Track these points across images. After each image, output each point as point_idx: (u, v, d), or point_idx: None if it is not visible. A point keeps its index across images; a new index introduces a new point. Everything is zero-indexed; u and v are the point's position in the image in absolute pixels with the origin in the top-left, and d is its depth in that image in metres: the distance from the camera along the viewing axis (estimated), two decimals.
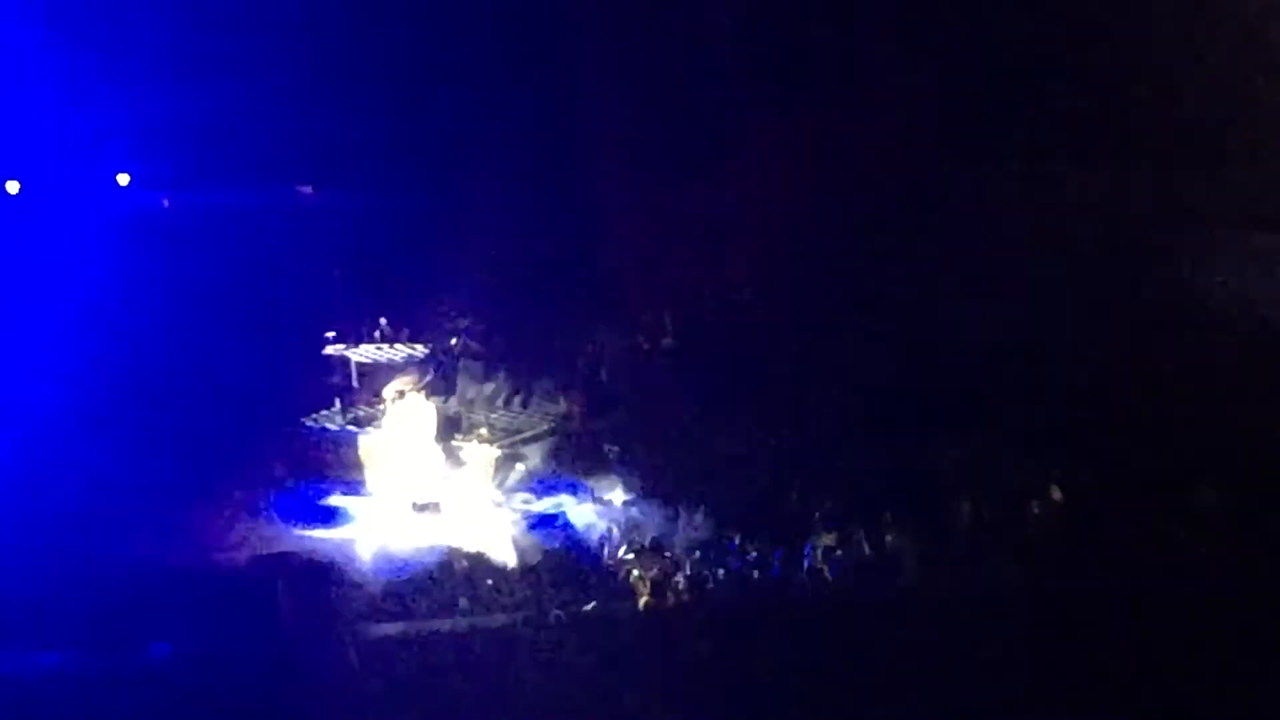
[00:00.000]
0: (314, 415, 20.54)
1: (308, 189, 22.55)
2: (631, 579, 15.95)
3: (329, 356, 20.92)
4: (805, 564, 15.81)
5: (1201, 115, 18.68)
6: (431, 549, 17.17)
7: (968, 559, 15.63)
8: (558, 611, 15.07)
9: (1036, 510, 16.39)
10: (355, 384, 20.41)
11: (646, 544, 16.67)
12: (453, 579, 16.04)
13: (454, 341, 20.03)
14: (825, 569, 15.65)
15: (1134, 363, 17.82)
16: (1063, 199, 19.41)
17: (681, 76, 21.11)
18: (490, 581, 16.04)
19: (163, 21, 20.63)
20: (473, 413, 19.97)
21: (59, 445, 20.44)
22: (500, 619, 15.00)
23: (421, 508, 18.21)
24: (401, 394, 19.28)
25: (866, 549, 15.93)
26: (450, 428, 19.41)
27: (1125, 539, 15.56)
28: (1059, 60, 19.12)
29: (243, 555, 16.82)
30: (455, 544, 17.19)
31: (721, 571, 15.98)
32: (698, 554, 16.46)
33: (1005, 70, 19.30)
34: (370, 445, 19.39)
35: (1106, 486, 16.43)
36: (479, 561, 16.48)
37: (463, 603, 15.57)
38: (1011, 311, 18.78)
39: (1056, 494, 16.56)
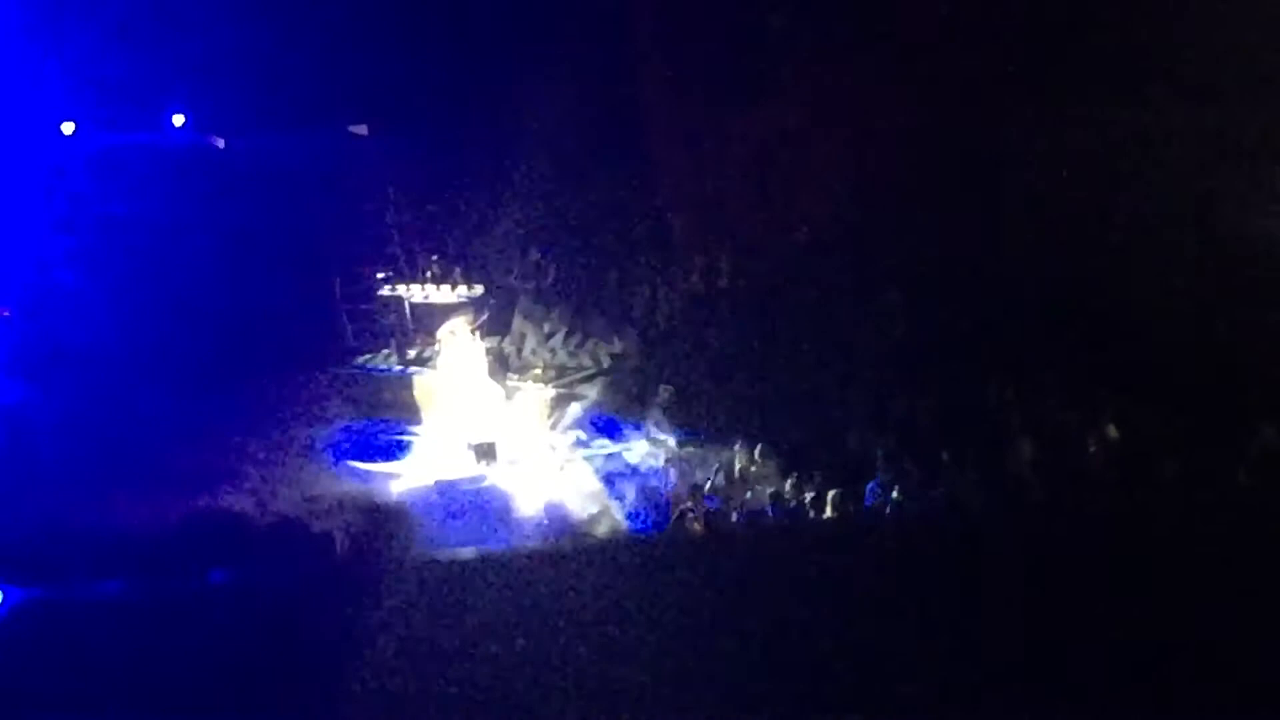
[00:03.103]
0: (368, 356, 20.61)
1: (361, 129, 22.51)
2: (686, 518, 15.89)
3: (382, 297, 20.94)
4: (864, 503, 15.69)
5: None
6: (487, 488, 17.24)
7: (1025, 498, 15.47)
8: (611, 548, 15.04)
9: (1093, 449, 16.20)
10: (409, 324, 20.42)
11: (701, 483, 16.61)
12: (508, 516, 16.06)
13: (508, 280, 19.98)
14: (884, 508, 15.54)
15: (1194, 301, 17.57)
16: (1122, 139, 19.07)
17: (737, 15, 20.91)
18: (546, 520, 16.05)
19: None
20: (526, 352, 19.97)
21: (114, 386, 20.58)
22: (555, 554, 15.01)
23: (476, 447, 18.22)
24: (455, 334, 19.26)
25: (924, 488, 15.79)
26: (504, 367, 19.43)
27: (1184, 480, 15.35)
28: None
29: (298, 494, 16.88)
30: (510, 483, 17.25)
31: (778, 510, 15.90)
32: (752, 494, 16.38)
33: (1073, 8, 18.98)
34: (425, 385, 19.43)
35: (1165, 425, 16.22)
36: (534, 499, 16.49)
37: (517, 540, 15.59)
38: (1068, 249, 18.53)
39: (1113, 432, 16.36)
